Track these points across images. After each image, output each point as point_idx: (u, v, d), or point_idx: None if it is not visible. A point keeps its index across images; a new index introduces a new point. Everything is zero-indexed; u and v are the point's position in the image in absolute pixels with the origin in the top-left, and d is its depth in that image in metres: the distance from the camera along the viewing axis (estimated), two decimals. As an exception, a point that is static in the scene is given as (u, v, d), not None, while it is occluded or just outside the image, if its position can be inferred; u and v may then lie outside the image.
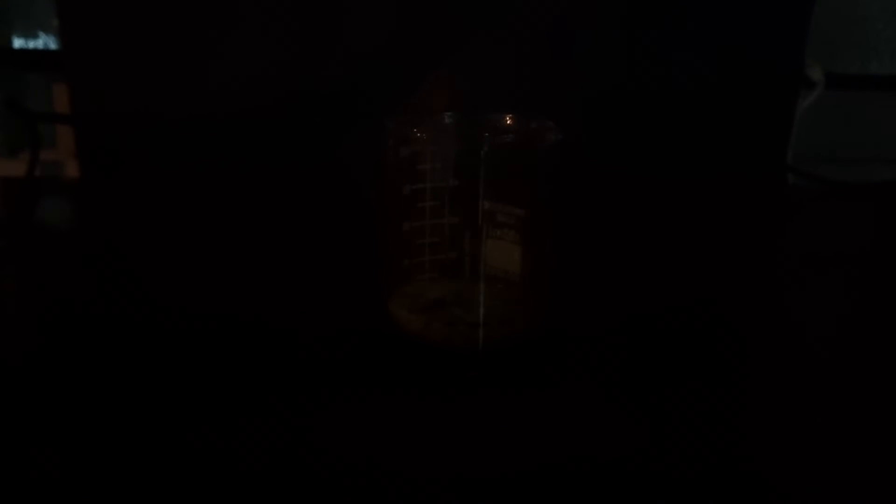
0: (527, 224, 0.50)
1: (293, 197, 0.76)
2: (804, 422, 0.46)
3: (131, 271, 0.65)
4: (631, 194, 0.81)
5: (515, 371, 0.50)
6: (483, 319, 0.51)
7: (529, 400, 0.47)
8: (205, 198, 0.77)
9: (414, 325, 0.51)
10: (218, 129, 0.79)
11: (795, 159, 0.97)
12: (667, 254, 0.72)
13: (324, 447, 0.41)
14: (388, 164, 0.51)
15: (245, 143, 0.79)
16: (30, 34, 1.33)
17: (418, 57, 0.75)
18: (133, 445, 0.40)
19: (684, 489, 0.39)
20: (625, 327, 0.56)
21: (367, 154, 0.53)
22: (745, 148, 0.87)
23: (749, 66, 0.86)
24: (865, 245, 0.80)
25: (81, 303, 0.60)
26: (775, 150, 0.92)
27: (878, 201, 0.94)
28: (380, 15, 0.77)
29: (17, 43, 1.32)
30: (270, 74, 0.79)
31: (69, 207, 0.91)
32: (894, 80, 1.37)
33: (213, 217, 0.75)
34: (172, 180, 0.79)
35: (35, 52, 1.33)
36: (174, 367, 0.49)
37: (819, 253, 0.76)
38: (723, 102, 0.86)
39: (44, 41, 1.33)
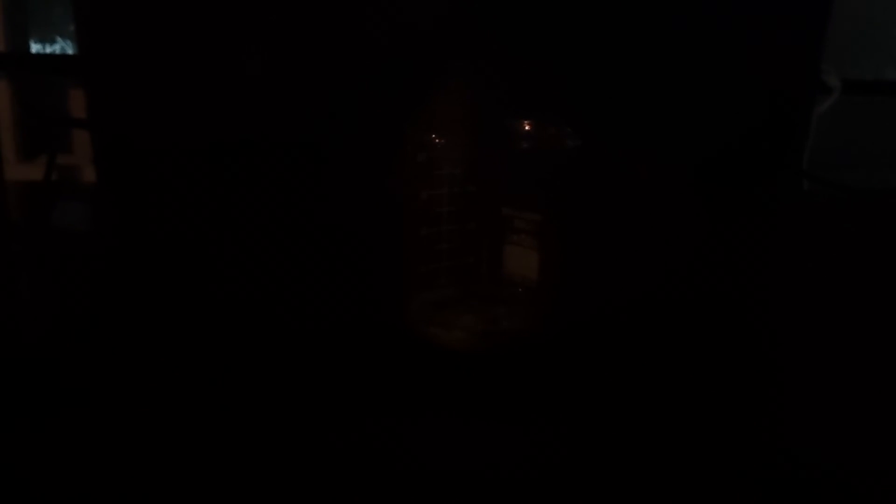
0: (544, 229, 0.50)
1: (312, 200, 0.76)
2: (827, 419, 0.46)
3: (147, 275, 0.65)
4: (645, 199, 0.81)
5: (534, 375, 0.50)
6: (500, 325, 0.51)
7: (547, 403, 0.47)
8: (222, 202, 0.78)
9: (431, 331, 0.51)
10: (234, 132, 0.79)
11: (811, 165, 0.97)
12: (682, 259, 0.71)
13: (336, 445, 0.41)
14: (406, 170, 0.51)
15: (262, 147, 0.79)
16: (47, 39, 1.34)
17: (436, 62, 0.75)
18: (144, 444, 0.41)
19: (690, 486, 0.39)
20: (639, 332, 0.56)
21: (386, 159, 0.53)
22: (761, 153, 0.87)
23: (765, 71, 0.85)
24: (880, 250, 0.80)
25: (96, 306, 0.60)
26: (791, 155, 0.92)
27: (893, 207, 0.94)
28: (398, 20, 0.77)
29: (35, 47, 1.33)
30: (287, 78, 0.79)
31: (85, 211, 0.92)
32: (910, 85, 1.36)
33: (230, 221, 0.75)
34: (189, 183, 0.79)
35: (52, 57, 1.34)
36: (191, 368, 0.49)
37: (834, 258, 0.76)
38: (739, 108, 0.85)
39: (61, 45, 1.34)
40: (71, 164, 1.15)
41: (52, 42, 1.34)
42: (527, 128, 0.53)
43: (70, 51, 1.34)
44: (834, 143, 1.05)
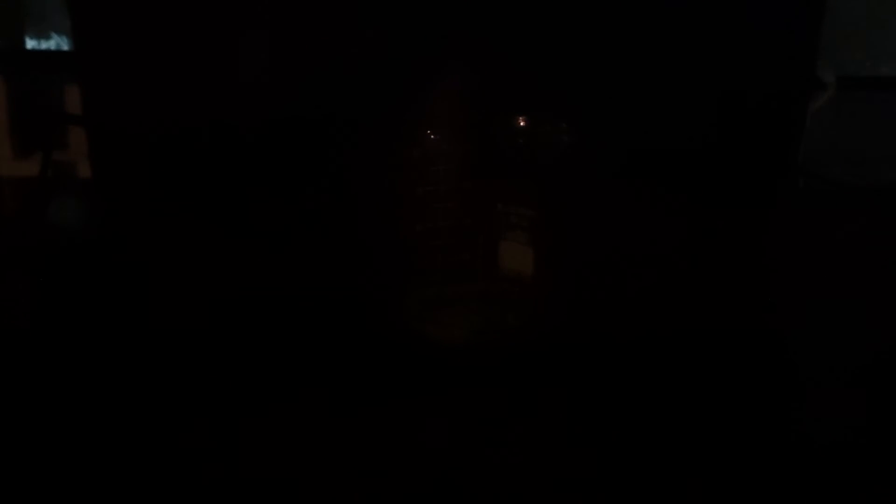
0: (539, 225, 0.50)
1: (307, 196, 0.76)
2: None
3: (142, 271, 0.65)
4: (640, 196, 0.81)
5: (529, 371, 0.50)
6: (496, 321, 0.51)
7: (543, 400, 0.47)
8: (217, 198, 0.78)
9: (428, 328, 0.51)
10: (229, 128, 0.79)
11: (806, 161, 0.97)
12: (675, 255, 0.71)
13: (334, 440, 0.41)
14: (402, 166, 0.51)
15: (257, 143, 0.79)
16: (42, 35, 1.33)
17: (431, 58, 0.75)
18: (141, 443, 0.41)
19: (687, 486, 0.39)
20: (634, 328, 0.56)
21: (382, 155, 0.53)
22: (756, 149, 0.87)
23: (760, 67, 0.85)
24: (874, 246, 0.80)
25: (91, 302, 0.60)
26: (786, 151, 0.92)
27: (887, 203, 0.94)
28: (392, 16, 0.77)
29: (30, 44, 1.33)
30: (283, 73, 0.79)
31: (81, 208, 0.91)
32: (905, 82, 1.36)
33: (225, 217, 0.75)
34: (185, 180, 0.79)
35: (47, 53, 1.34)
36: (185, 366, 0.49)
37: (830, 254, 0.76)
38: (734, 104, 0.85)
39: (56, 42, 1.34)
40: (67, 161, 1.15)
41: (48, 38, 1.34)
42: (522, 124, 0.53)
43: (66, 47, 1.34)
44: (830, 140, 1.05)
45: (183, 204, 0.78)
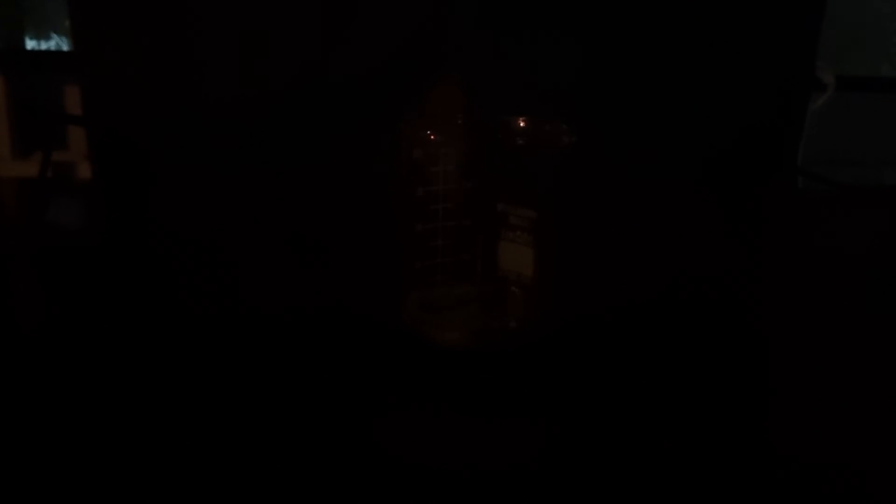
0: (540, 226, 0.50)
1: (308, 196, 0.76)
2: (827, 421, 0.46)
3: (143, 271, 0.65)
4: (641, 196, 0.81)
5: (529, 373, 0.50)
6: (496, 322, 0.51)
7: (543, 401, 0.47)
8: (218, 197, 0.78)
9: (427, 329, 0.51)
10: (231, 128, 0.80)
11: (805, 162, 0.97)
12: (677, 256, 0.72)
13: (333, 443, 0.41)
14: (402, 166, 0.51)
15: (258, 143, 0.79)
16: (42, 35, 1.33)
17: (431, 58, 0.75)
18: (139, 444, 0.41)
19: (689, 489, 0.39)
20: (635, 329, 0.56)
21: (381, 156, 0.53)
22: (755, 150, 0.87)
23: (760, 68, 0.85)
24: (874, 247, 0.80)
25: (92, 303, 0.60)
26: (786, 152, 0.92)
27: (888, 204, 0.94)
28: (392, 16, 0.77)
29: (30, 44, 1.33)
30: (283, 75, 0.79)
31: (81, 208, 0.91)
32: (905, 82, 1.36)
33: (226, 217, 0.75)
34: (185, 180, 0.79)
35: (47, 54, 1.34)
36: (186, 366, 0.49)
37: (828, 255, 0.76)
38: (734, 105, 0.86)
39: (56, 42, 1.34)
40: (66, 161, 1.15)
41: (48, 38, 1.34)
42: (522, 124, 0.53)
43: (66, 47, 1.34)
44: (829, 140, 1.05)
45: (183, 204, 0.78)
